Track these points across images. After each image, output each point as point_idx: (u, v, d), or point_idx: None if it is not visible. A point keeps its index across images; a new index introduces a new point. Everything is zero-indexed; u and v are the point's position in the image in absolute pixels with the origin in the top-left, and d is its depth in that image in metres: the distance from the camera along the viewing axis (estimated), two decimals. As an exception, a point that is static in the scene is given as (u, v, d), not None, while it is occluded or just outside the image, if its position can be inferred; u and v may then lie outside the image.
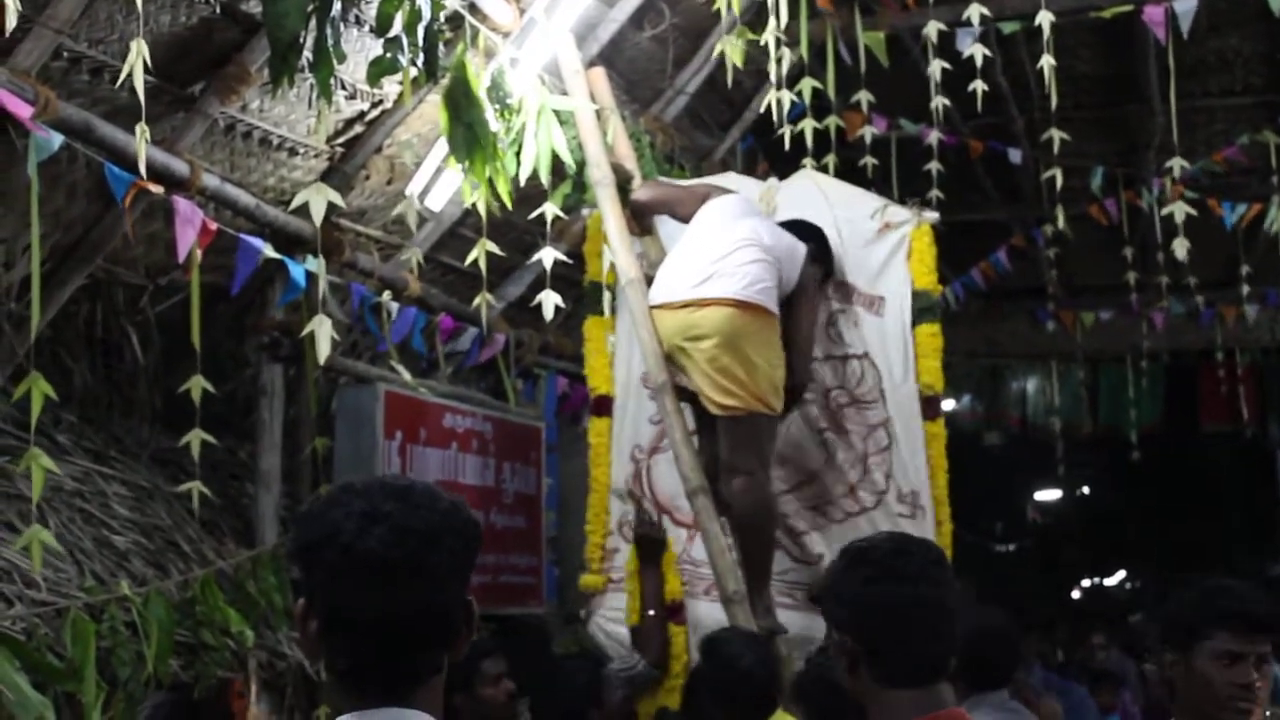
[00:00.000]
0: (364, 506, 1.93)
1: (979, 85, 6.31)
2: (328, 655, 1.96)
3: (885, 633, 2.56)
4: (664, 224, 6.05)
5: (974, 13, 6.34)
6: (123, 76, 3.73)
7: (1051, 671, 8.12)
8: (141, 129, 3.87)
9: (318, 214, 4.56)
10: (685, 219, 5.74)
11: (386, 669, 1.93)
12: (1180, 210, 8.00)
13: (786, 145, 6.06)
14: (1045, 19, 6.13)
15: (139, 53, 3.66)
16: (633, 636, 5.67)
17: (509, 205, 4.97)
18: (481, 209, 4.98)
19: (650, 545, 5.76)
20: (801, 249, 5.62)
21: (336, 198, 4.61)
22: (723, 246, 5.45)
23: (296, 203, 4.71)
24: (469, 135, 4.63)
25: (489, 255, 5.18)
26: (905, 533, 2.78)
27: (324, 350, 4.72)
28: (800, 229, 5.84)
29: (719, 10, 5.22)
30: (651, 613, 5.64)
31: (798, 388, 5.72)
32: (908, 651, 2.56)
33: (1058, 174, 7.77)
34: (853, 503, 6.09)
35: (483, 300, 5.37)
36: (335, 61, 4.10)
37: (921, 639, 2.55)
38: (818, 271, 5.82)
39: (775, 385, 5.44)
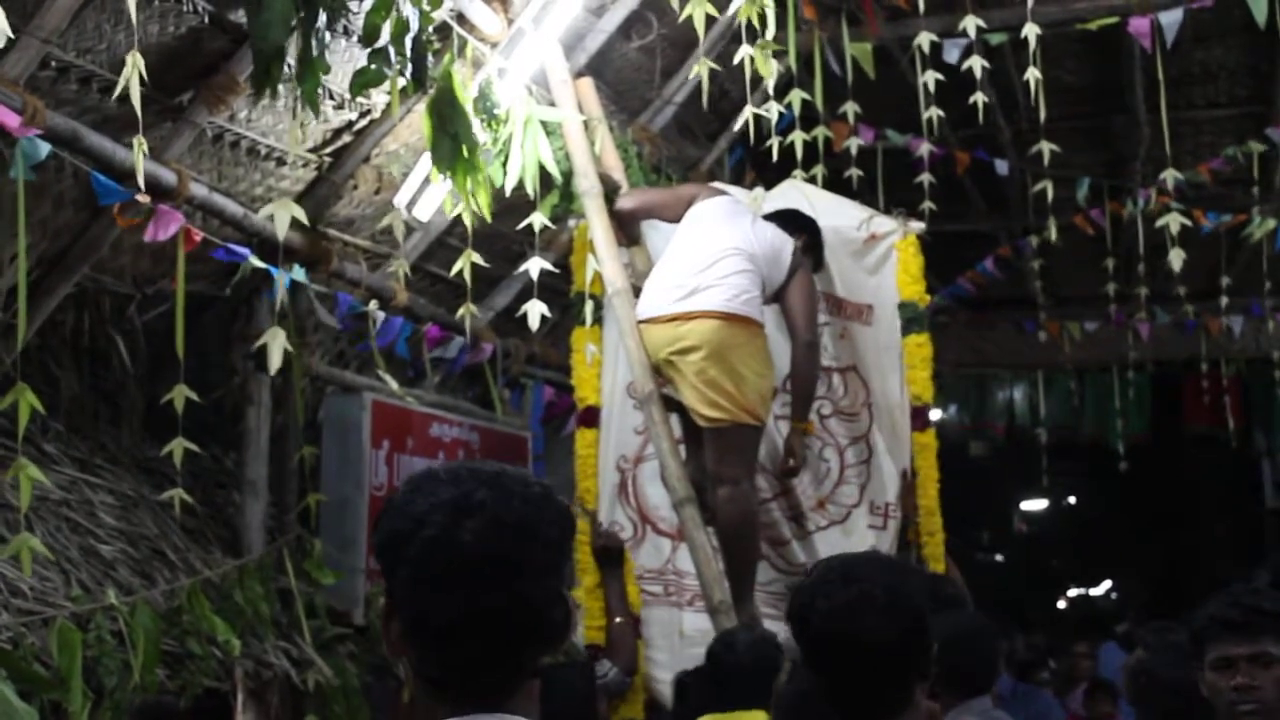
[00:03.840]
0: (453, 494, 1.74)
1: (979, 98, 6.33)
2: (415, 659, 1.77)
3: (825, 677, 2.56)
4: (652, 233, 6.06)
5: (969, 24, 6.37)
6: (118, 90, 3.74)
7: (1022, 681, 8.10)
8: (139, 142, 3.88)
9: (281, 227, 4.60)
10: (674, 221, 5.76)
11: (481, 674, 1.74)
12: (1175, 222, 8.04)
13: (774, 156, 6.07)
14: (1031, 31, 6.15)
15: (134, 66, 3.67)
16: (593, 649, 5.67)
17: (488, 218, 4.98)
18: (467, 220, 4.99)
19: (609, 555, 5.76)
20: (789, 245, 5.64)
21: (300, 213, 4.64)
22: (707, 256, 5.46)
23: (263, 214, 4.74)
24: (453, 146, 4.64)
25: (476, 266, 5.19)
26: (847, 560, 2.71)
27: (275, 359, 4.76)
28: (791, 221, 5.84)
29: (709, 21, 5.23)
30: (619, 620, 5.65)
31: (805, 378, 5.71)
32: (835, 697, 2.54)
33: (1048, 186, 7.81)
34: (822, 516, 6.12)
35: (467, 311, 5.37)
36: (321, 73, 4.10)
37: (840, 684, 2.53)
38: (808, 262, 5.83)
39: (763, 396, 5.46)
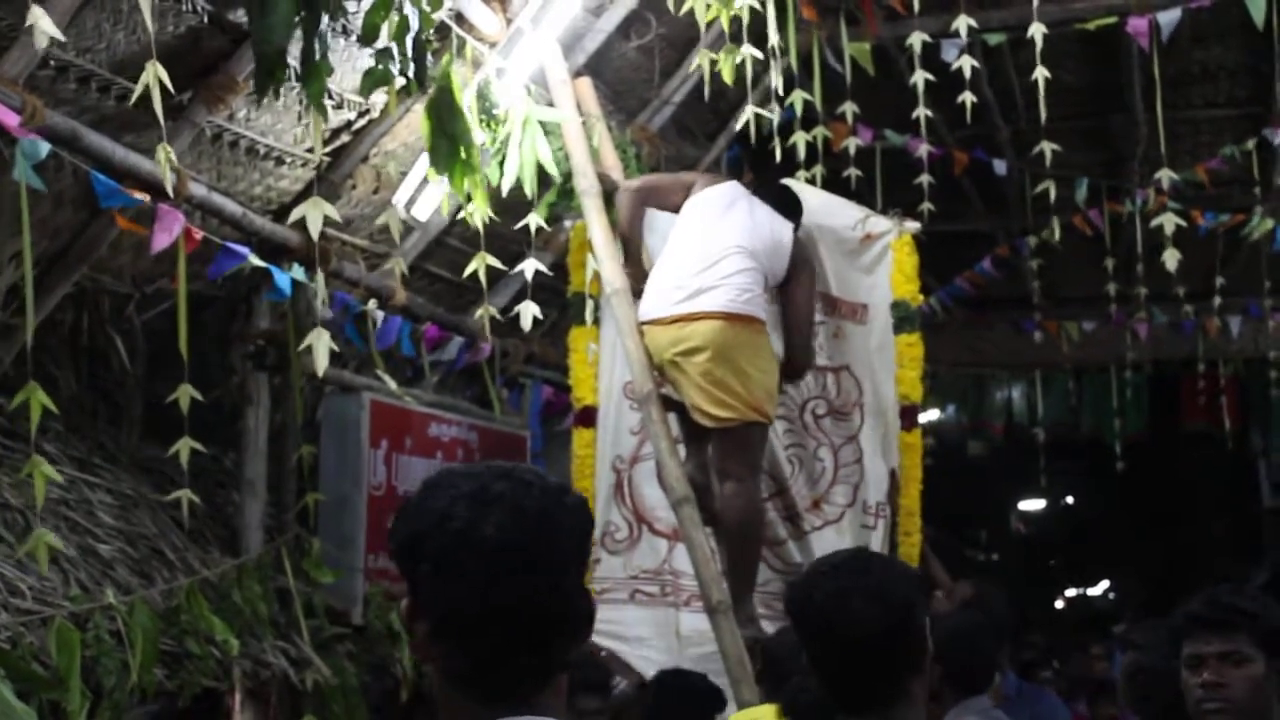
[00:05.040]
0: (473, 488, 1.74)
1: (968, 97, 6.33)
2: (442, 658, 1.75)
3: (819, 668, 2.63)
4: (650, 235, 6.05)
5: (961, 24, 6.37)
6: (135, 96, 3.76)
7: (1026, 680, 8.09)
8: (164, 149, 3.88)
9: (314, 227, 4.53)
10: (674, 209, 5.74)
11: (510, 668, 1.73)
12: (1170, 222, 8.04)
13: (773, 157, 6.07)
14: (1037, 31, 6.16)
15: (153, 73, 3.68)
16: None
17: (486, 218, 4.98)
18: (478, 221, 4.99)
19: None
20: (788, 237, 5.62)
21: (333, 211, 4.61)
22: (708, 255, 5.45)
23: (294, 216, 4.71)
24: (450, 147, 4.63)
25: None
26: (841, 555, 2.78)
27: (322, 363, 4.72)
28: (785, 204, 5.79)
29: (706, 21, 5.24)
30: (604, 653, 5.61)
31: (799, 369, 5.77)
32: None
33: (1051, 186, 7.81)
34: (817, 516, 6.12)
35: (485, 313, 5.38)
36: (325, 74, 4.11)
37: (831, 675, 2.59)
38: (810, 259, 5.83)
39: (769, 393, 5.47)
